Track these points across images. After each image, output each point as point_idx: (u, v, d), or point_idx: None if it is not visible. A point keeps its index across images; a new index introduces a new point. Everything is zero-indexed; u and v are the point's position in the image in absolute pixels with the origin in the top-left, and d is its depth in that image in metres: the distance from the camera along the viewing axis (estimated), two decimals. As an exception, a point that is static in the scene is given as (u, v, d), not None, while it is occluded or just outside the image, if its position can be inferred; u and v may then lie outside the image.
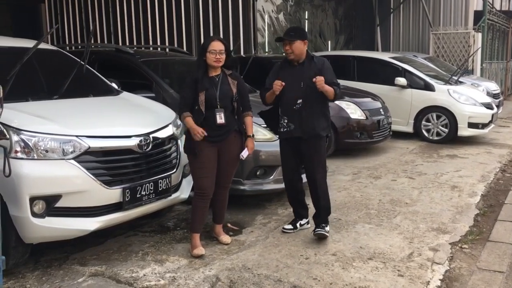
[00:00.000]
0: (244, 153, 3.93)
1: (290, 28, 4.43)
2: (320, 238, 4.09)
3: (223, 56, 3.79)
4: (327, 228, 4.15)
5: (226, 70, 3.91)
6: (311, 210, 4.34)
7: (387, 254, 3.87)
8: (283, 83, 4.01)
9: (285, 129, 4.15)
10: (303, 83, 4.05)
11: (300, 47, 4.07)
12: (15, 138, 3.22)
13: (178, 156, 4.09)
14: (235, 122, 3.90)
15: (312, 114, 4.07)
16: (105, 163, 3.54)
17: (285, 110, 4.14)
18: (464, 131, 8.52)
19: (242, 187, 4.73)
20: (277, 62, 4.39)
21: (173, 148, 4.08)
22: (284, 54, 4.29)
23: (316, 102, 4.07)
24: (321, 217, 4.18)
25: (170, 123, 4.13)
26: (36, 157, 3.26)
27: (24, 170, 3.19)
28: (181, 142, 4.11)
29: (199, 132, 3.68)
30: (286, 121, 4.14)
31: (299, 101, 4.05)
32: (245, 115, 3.98)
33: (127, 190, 3.57)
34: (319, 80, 3.94)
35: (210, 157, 3.79)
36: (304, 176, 4.32)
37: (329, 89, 4.01)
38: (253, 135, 4.00)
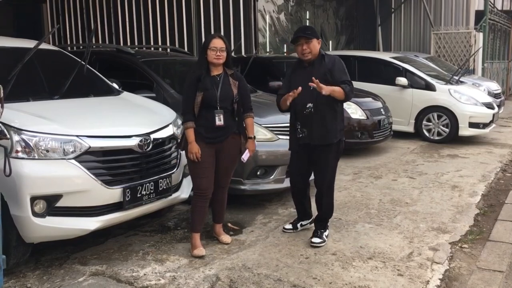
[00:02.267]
0: (245, 156, 3.89)
1: (303, 27, 4.23)
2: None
3: (224, 54, 3.76)
4: (326, 233, 4.10)
5: (227, 70, 3.87)
6: (312, 210, 4.34)
7: (387, 254, 3.87)
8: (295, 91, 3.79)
9: (300, 135, 3.99)
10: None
11: (317, 46, 3.94)
12: (16, 138, 3.23)
13: (178, 156, 4.09)
14: (234, 124, 3.87)
15: (322, 120, 3.88)
16: (106, 163, 3.55)
17: (298, 115, 3.99)
18: (465, 131, 8.52)
19: (242, 187, 4.73)
20: (290, 61, 4.21)
21: (174, 148, 4.08)
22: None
23: (326, 106, 3.87)
24: (321, 221, 4.13)
25: (170, 123, 4.14)
26: (36, 157, 3.27)
27: (25, 170, 3.20)
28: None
29: (195, 152, 3.69)
30: (299, 126, 3.99)
31: (309, 105, 3.87)
32: (246, 116, 3.94)
33: (128, 190, 3.58)
34: (316, 83, 3.69)
35: (208, 157, 3.77)
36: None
37: (336, 90, 3.76)
38: (254, 137, 3.96)
